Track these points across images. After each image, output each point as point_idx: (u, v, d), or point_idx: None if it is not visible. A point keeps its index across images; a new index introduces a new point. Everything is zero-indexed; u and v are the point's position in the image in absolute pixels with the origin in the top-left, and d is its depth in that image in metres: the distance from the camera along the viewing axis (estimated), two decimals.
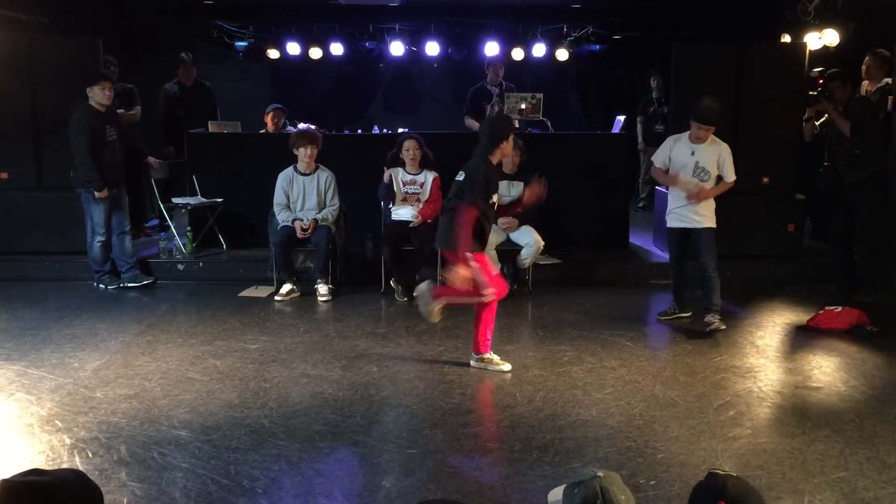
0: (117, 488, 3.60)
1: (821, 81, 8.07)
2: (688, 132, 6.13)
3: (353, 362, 5.39)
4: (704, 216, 6.09)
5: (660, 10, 11.23)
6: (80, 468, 3.65)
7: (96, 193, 7.05)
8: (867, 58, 7.40)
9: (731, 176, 6.13)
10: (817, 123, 7.32)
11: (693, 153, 6.07)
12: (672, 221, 6.24)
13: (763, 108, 7.74)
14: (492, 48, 11.13)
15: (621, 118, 8.77)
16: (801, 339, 5.98)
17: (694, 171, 6.04)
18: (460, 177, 5.12)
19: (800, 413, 4.58)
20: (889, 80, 7.38)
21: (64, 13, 9.27)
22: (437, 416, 4.49)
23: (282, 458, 3.96)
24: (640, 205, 11.01)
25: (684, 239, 6.23)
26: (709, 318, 6.05)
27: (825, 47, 8.65)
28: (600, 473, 2.19)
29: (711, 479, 2.13)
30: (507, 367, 5.22)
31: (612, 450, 4.08)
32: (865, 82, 7.46)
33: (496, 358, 5.27)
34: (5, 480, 1.94)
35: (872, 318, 6.08)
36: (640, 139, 11.01)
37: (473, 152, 5.19)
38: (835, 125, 6.95)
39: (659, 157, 6.30)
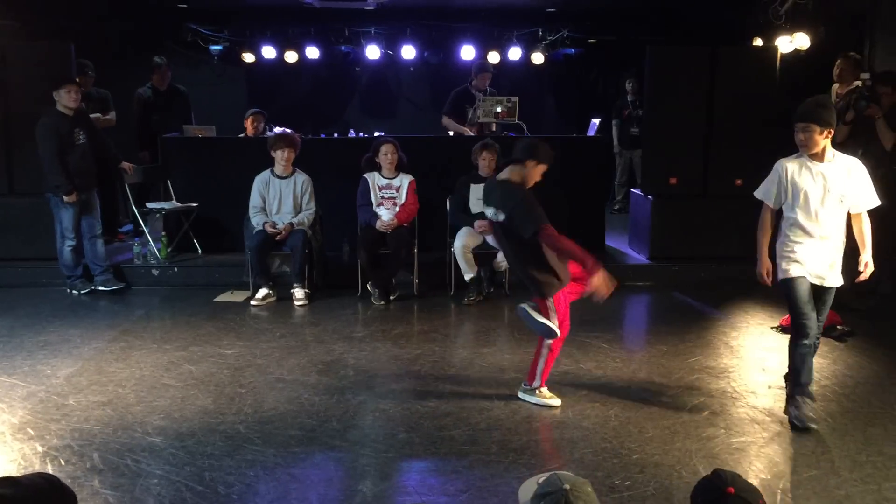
0: (90, 496, 3.56)
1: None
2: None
3: (330, 366, 5.37)
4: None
5: (634, 13, 11.32)
6: None
7: (65, 198, 6.99)
8: (839, 61, 7.49)
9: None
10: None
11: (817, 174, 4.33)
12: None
13: (736, 110, 7.82)
14: (468, 52, 11.16)
15: (596, 121, 8.82)
16: (774, 339, 6.04)
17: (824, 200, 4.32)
18: (498, 216, 4.50)
19: (773, 413, 4.62)
20: (860, 82, 7.49)
21: (36, 17, 9.18)
22: (414, 420, 4.49)
23: (257, 463, 3.94)
24: (616, 207, 11.09)
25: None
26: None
27: (796, 51, 8.75)
28: (566, 486, 2.13)
29: (717, 476, 2.18)
30: (555, 401, 4.70)
31: (587, 451, 4.10)
32: (836, 85, 7.55)
33: (546, 391, 4.78)
34: None
35: (844, 318, 6.15)
36: (615, 142, 11.08)
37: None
38: (877, 133, 6.44)
39: (764, 191, 4.64)
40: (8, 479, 1.92)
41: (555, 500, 2.08)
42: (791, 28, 8.71)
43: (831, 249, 4.34)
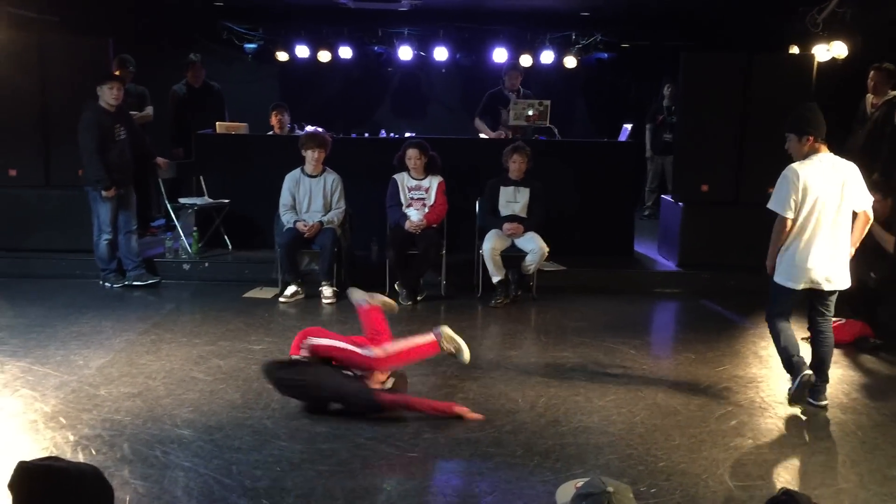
0: (120, 486, 3.61)
1: None
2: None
3: None
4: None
5: (668, 19, 11.24)
6: None
7: (103, 193, 7.08)
8: (872, 73, 7.41)
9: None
10: None
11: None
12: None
13: (771, 119, 7.72)
14: (500, 54, 11.16)
15: (628, 127, 8.78)
16: (803, 350, 5.95)
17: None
18: None
19: (802, 424, 4.58)
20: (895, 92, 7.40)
21: (74, 12, 9.32)
22: (440, 421, 4.49)
23: (284, 459, 3.97)
24: (646, 213, 11.01)
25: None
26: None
27: (833, 59, 8.65)
28: (610, 488, 2.11)
29: (791, 497, 2.13)
30: None
31: (613, 457, 4.08)
32: (870, 96, 7.47)
33: None
34: (23, 462, 2.00)
35: (876, 330, 6.07)
36: (648, 147, 11.00)
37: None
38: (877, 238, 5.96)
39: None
40: (54, 458, 2.06)
41: (597, 502, 2.06)
42: (828, 36, 8.61)
43: None
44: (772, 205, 4.71)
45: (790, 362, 4.85)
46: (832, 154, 4.69)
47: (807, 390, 4.76)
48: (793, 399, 4.83)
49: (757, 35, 10.20)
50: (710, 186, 7.91)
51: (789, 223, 4.65)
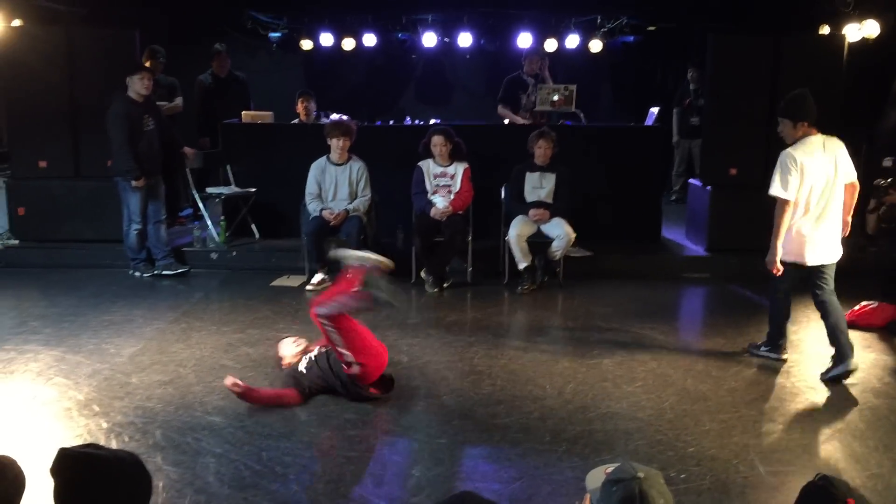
0: (153, 472, 3.60)
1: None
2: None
3: None
4: None
5: (695, 1, 11.09)
6: None
7: (133, 183, 7.15)
8: None
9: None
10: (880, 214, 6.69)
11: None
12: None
13: None
14: (525, 39, 11.07)
15: (655, 111, 8.69)
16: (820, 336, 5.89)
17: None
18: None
19: (833, 409, 4.53)
20: None
21: (102, 4, 9.39)
22: (467, 407, 4.51)
23: (313, 445, 4.01)
24: (673, 198, 10.91)
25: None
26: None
27: (865, 39, 8.50)
28: (640, 474, 2.06)
29: (830, 482, 2.12)
30: None
31: (642, 443, 4.07)
32: None
33: None
34: (64, 448, 2.05)
35: None
36: (675, 131, 10.89)
37: None
38: None
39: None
40: (94, 445, 2.11)
41: (627, 488, 2.03)
42: (860, 15, 8.46)
43: None
44: (773, 190, 4.92)
45: (777, 333, 5.30)
46: (821, 134, 4.96)
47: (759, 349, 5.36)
48: (749, 352, 5.40)
49: (786, 15, 10.04)
50: (739, 170, 7.82)
51: (791, 205, 4.87)
